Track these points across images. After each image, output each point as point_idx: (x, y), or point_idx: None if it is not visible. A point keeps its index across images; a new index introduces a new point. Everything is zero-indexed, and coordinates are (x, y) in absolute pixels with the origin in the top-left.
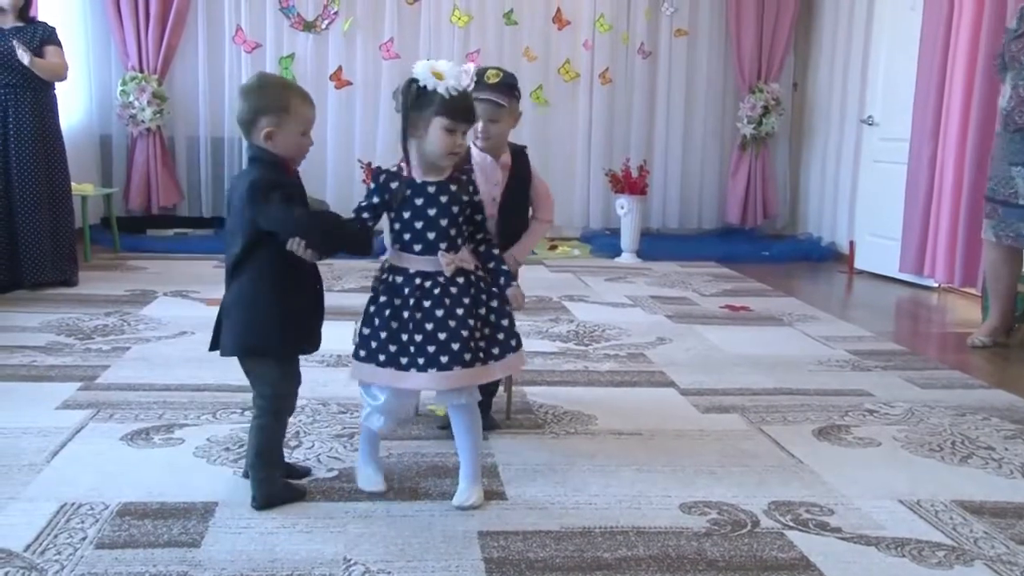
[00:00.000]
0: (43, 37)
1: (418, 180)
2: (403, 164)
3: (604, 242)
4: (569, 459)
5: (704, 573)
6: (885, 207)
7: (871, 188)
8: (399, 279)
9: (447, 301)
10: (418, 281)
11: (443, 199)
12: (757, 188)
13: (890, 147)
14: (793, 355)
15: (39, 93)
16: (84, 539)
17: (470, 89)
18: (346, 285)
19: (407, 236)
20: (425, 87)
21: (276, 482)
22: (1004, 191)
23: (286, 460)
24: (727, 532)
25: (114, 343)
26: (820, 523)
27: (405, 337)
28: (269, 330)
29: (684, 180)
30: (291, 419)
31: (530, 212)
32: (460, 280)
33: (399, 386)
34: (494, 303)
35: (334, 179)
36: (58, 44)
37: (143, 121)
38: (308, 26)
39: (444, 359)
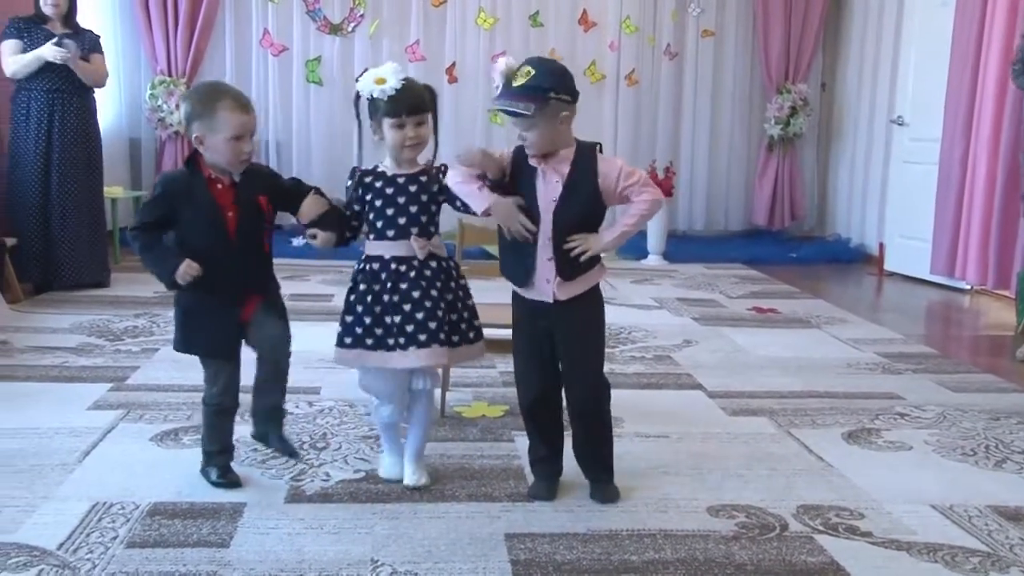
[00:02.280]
0: (90, 45)
1: (389, 173)
2: (378, 165)
3: (630, 244)
4: None
5: None
6: (915, 208)
7: (901, 189)
8: (376, 266)
9: (423, 283)
10: (393, 266)
11: (412, 188)
12: (785, 189)
13: (920, 147)
14: (822, 358)
15: (84, 98)
16: (115, 538)
17: (496, 91)
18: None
19: (380, 223)
20: (371, 97)
21: (211, 462)
22: None
23: (282, 437)
24: (755, 536)
25: (143, 344)
26: (850, 527)
27: (388, 320)
28: (176, 325)
29: (711, 182)
30: (320, 420)
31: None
32: (433, 264)
33: (387, 366)
34: (460, 292)
35: None
36: (102, 52)
37: (171, 124)
38: (334, 29)
39: (422, 337)
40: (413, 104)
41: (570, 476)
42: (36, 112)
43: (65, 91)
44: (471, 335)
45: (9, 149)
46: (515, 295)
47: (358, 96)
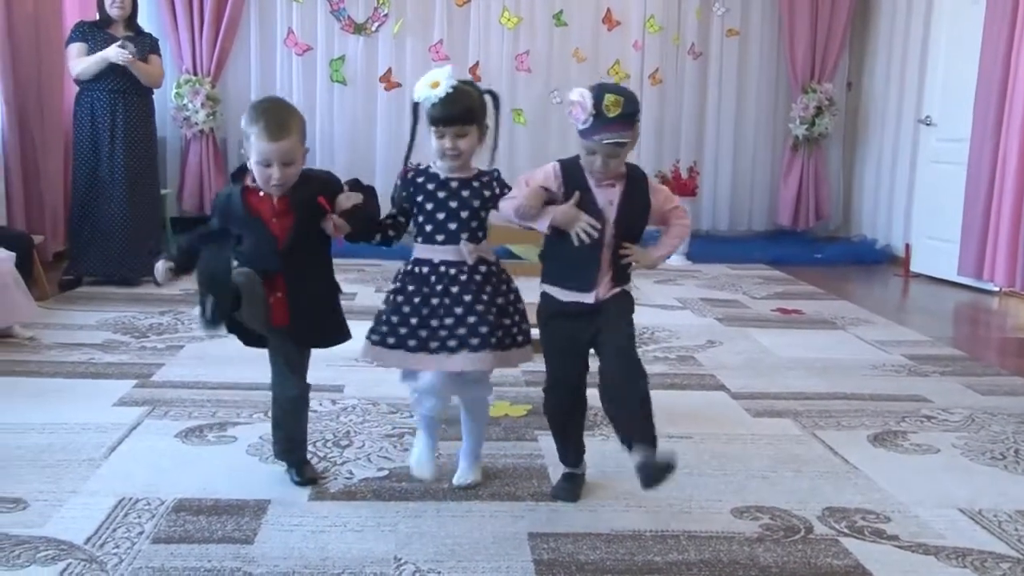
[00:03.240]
0: (150, 46)
1: (442, 176)
2: (430, 165)
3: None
4: (619, 462)
5: None
6: (943, 209)
7: (928, 189)
8: (425, 269)
9: (473, 287)
10: (443, 269)
11: (465, 193)
12: (809, 190)
13: (949, 147)
14: (847, 359)
15: (144, 98)
16: (141, 533)
17: (586, 125)
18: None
19: (429, 227)
20: (419, 101)
21: (285, 460)
22: None
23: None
24: (780, 538)
25: (168, 341)
26: (876, 531)
27: (435, 323)
28: None
29: (735, 182)
30: (343, 418)
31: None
32: (483, 269)
33: (433, 368)
34: (511, 296)
35: (383, 180)
36: (159, 54)
37: (196, 123)
38: (359, 29)
39: (475, 341)
40: (451, 116)
41: (594, 477)
42: (100, 112)
43: (127, 91)
44: (519, 338)
45: (73, 148)
46: (549, 300)
47: (414, 104)
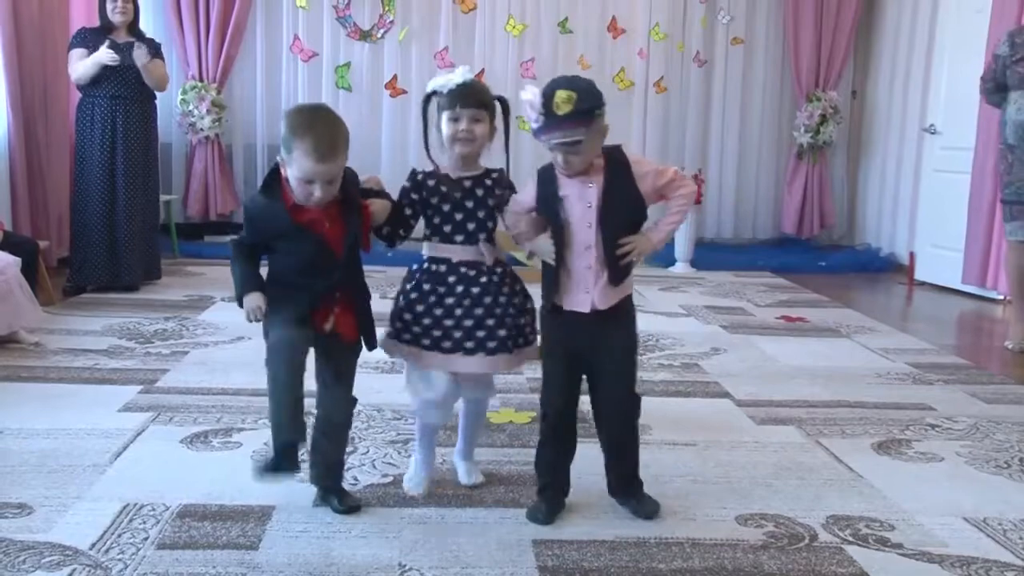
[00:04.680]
0: (153, 52)
1: (454, 176)
2: (437, 166)
3: (657, 252)
4: None
5: None
6: (947, 217)
7: (932, 198)
8: (443, 268)
9: (492, 289)
10: (463, 270)
11: (479, 192)
12: (814, 198)
13: (953, 156)
14: (851, 367)
15: (145, 104)
16: (146, 539)
17: (537, 124)
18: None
19: (448, 228)
20: (433, 93)
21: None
22: None
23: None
24: (784, 545)
25: (173, 347)
26: (880, 539)
27: (450, 323)
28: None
29: (739, 189)
30: None
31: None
32: (498, 270)
33: (448, 369)
34: (522, 297)
35: (388, 187)
36: (163, 58)
37: (202, 129)
38: (364, 35)
39: (491, 344)
40: (468, 98)
41: (598, 481)
42: (100, 118)
43: (127, 98)
44: (530, 336)
45: (75, 155)
46: (548, 315)
47: (427, 98)
